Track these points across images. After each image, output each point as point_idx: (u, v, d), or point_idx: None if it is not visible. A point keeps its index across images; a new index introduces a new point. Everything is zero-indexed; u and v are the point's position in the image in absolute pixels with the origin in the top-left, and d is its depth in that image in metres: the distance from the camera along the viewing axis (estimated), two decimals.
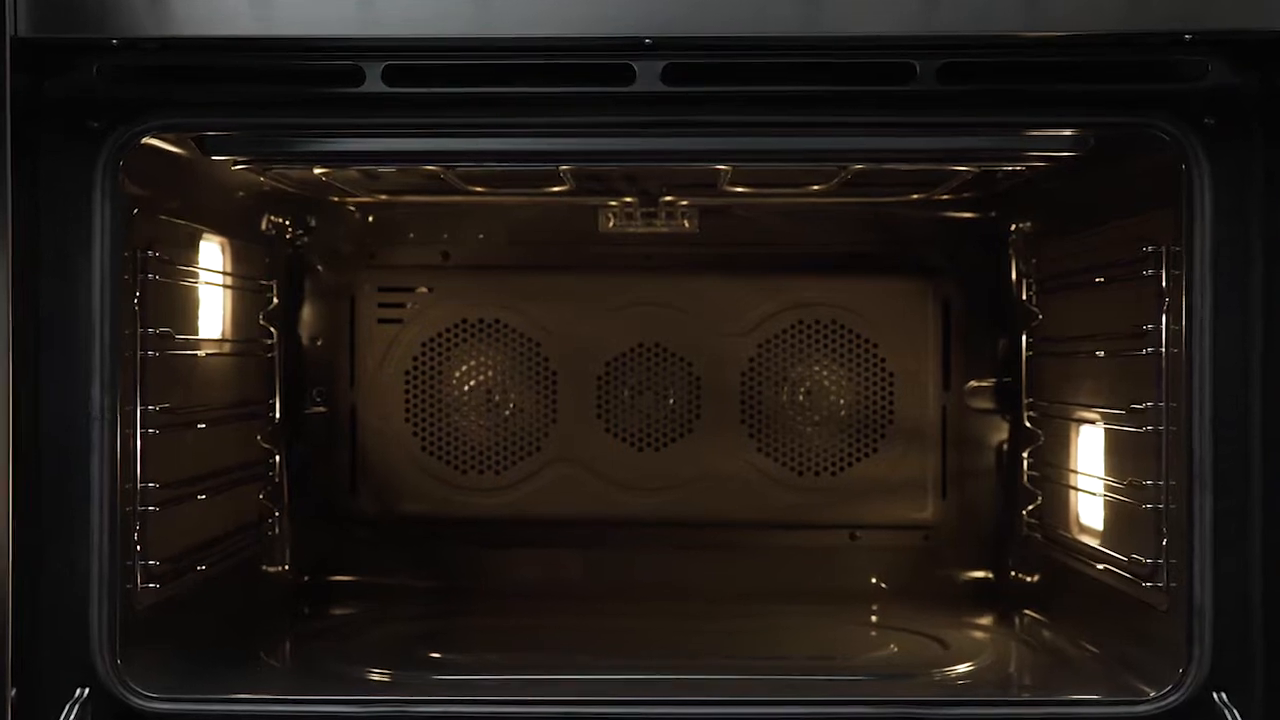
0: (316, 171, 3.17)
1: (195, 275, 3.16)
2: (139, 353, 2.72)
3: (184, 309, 3.10)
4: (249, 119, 2.64)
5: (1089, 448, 3.24)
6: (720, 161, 2.93)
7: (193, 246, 3.16)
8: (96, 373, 2.54)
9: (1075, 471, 3.31)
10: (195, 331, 3.16)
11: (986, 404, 3.73)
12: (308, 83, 2.54)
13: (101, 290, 2.54)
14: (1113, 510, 3.07)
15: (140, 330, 2.73)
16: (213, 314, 3.29)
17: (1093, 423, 3.19)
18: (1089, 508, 3.25)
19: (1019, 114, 2.60)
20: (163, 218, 2.92)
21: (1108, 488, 3.08)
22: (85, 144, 2.51)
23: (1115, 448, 3.06)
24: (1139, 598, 2.79)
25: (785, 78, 2.52)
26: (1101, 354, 3.06)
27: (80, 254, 2.52)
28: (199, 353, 3.15)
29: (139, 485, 2.73)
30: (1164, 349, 2.67)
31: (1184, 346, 2.54)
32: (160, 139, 2.67)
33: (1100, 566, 3.04)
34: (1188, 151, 2.48)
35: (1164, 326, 2.67)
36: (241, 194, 3.41)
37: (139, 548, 2.72)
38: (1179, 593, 2.57)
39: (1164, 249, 2.66)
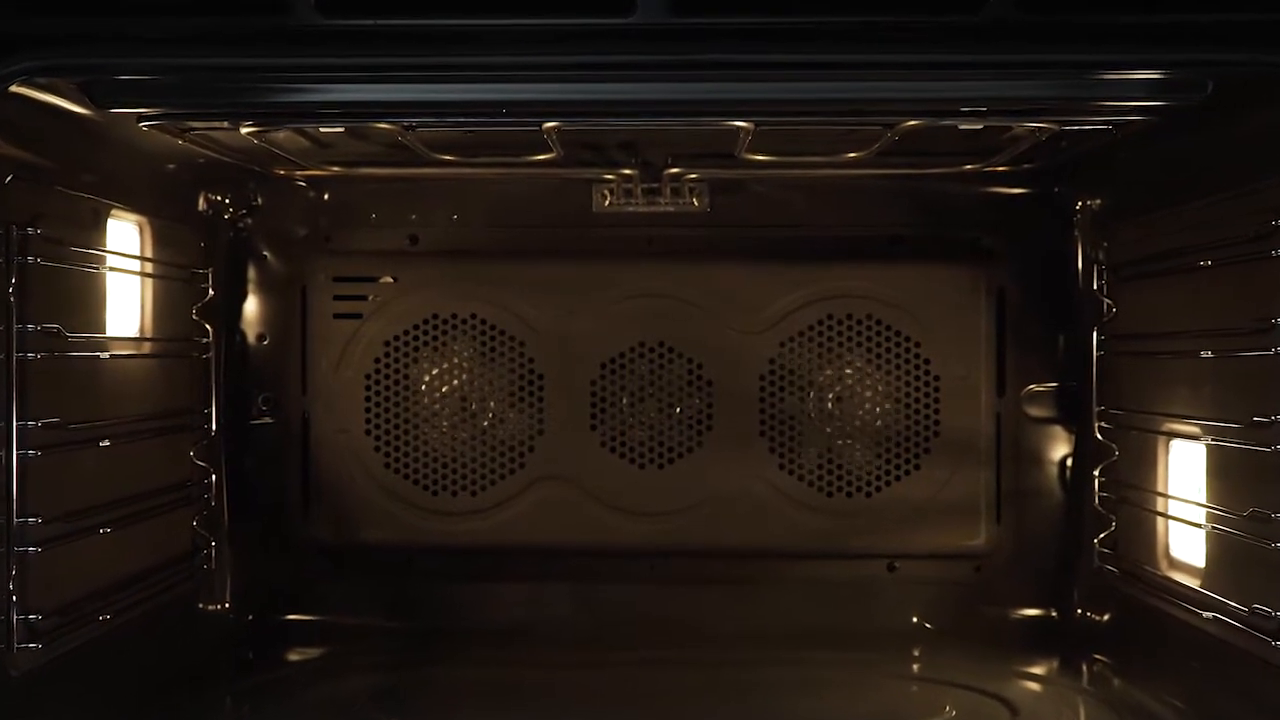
0: (244, 132, 2.75)
1: (101, 260, 2.81)
2: (15, 354, 2.39)
3: (84, 301, 2.76)
4: (144, 59, 2.24)
5: (1185, 467, 2.93)
6: (741, 115, 2.55)
7: (98, 226, 2.82)
8: None
9: (1164, 495, 3.04)
10: (101, 328, 2.83)
11: (1048, 412, 3.44)
12: (220, 12, 2.16)
13: None
14: (1222, 546, 2.73)
15: (18, 326, 2.40)
16: (127, 307, 2.98)
17: (1191, 437, 2.87)
18: (1185, 540, 2.95)
19: (1117, 51, 2.23)
20: (59, 189, 2.62)
21: (1215, 518, 2.75)
22: None
23: (1226, 469, 2.71)
24: (1263, 657, 2.45)
25: (824, 5, 2.17)
26: (1208, 354, 2.72)
27: None
28: (104, 354, 2.80)
29: (15, 520, 2.40)
30: None
31: None
32: (33, 87, 2.31)
33: (1206, 614, 2.69)
34: None
35: None
36: (171, 166, 3.11)
37: (15, 598, 2.38)
38: None
39: None
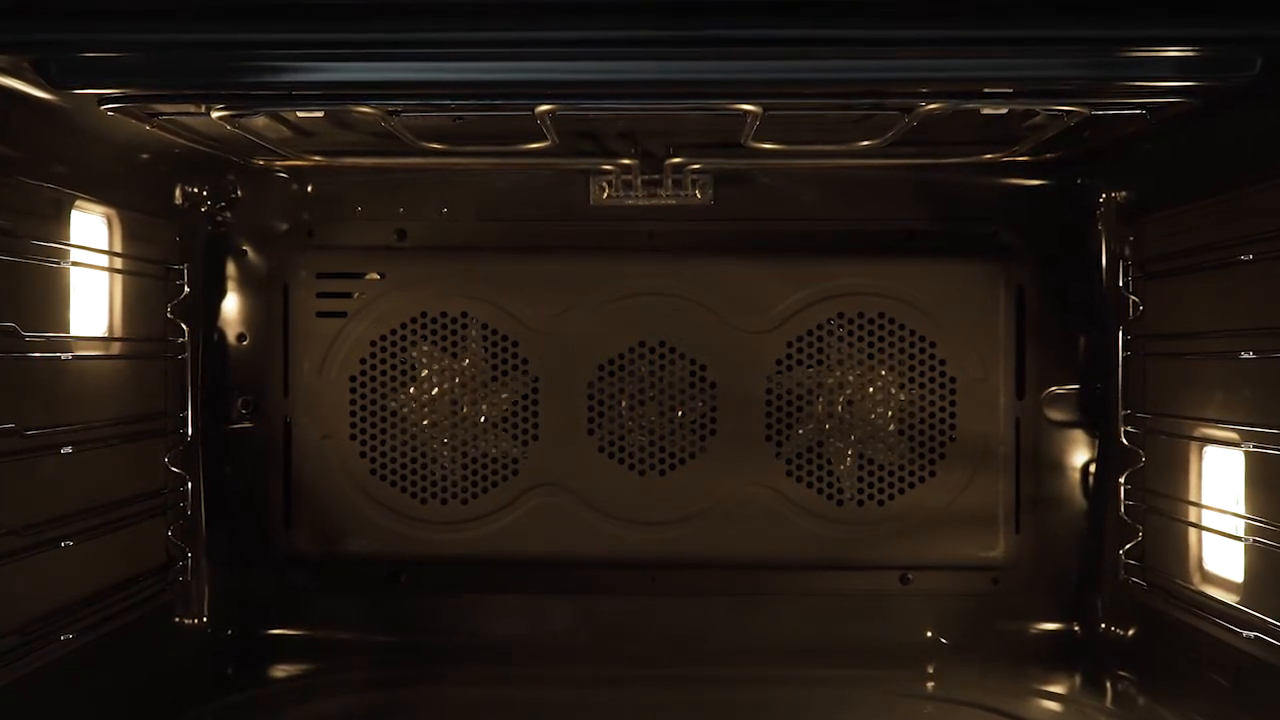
0: (216, 116, 2.60)
1: (64, 255, 2.65)
2: None
3: (46, 298, 2.62)
4: (101, 34, 2.09)
5: (1221, 476, 2.81)
6: (749, 98, 2.41)
7: (60, 218, 2.66)
8: None
9: (1197, 505, 2.92)
10: (64, 327, 2.68)
11: (1070, 416, 3.34)
12: None
13: None
14: (1264, 561, 2.60)
15: None
16: (96, 305, 2.86)
17: (1229, 444, 2.74)
18: (1220, 553, 2.83)
19: (1155, 25, 2.10)
20: (19, 178, 2.48)
21: (1255, 530, 2.61)
22: None
23: (1268, 478, 2.58)
24: None
25: None
26: (1249, 355, 2.58)
27: None
28: (66, 355, 2.66)
29: None
30: None
31: None
32: None
33: (1247, 634, 2.56)
34: None
35: None
36: (145, 155, 2.97)
37: None
38: None
39: None
